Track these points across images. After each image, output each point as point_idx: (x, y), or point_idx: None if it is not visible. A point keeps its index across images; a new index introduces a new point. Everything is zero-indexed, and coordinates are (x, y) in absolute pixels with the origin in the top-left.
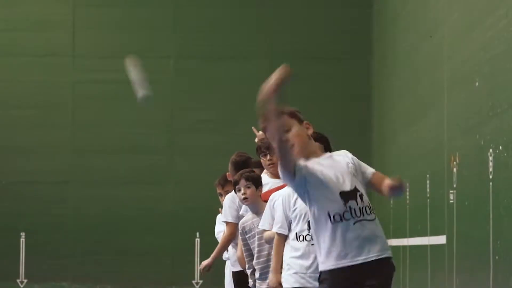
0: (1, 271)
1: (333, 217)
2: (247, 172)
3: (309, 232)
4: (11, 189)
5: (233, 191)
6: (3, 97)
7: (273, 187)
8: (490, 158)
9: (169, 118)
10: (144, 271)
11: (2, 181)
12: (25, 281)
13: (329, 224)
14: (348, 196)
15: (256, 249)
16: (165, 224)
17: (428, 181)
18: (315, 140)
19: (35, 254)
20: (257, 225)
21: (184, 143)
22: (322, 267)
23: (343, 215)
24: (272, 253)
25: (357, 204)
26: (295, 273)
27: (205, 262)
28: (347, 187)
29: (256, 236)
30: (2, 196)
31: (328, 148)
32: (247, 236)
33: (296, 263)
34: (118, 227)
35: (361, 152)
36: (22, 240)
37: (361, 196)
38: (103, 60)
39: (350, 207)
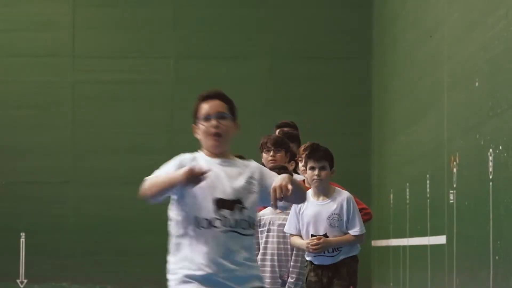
0: (1, 271)
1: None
2: (277, 168)
3: None
4: (11, 189)
5: None
6: (3, 97)
7: None
8: (490, 158)
9: (169, 118)
10: (144, 271)
11: (2, 181)
12: (25, 281)
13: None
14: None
15: (262, 245)
16: (165, 224)
17: (428, 181)
18: None
19: (35, 254)
20: (273, 222)
21: (184, 143)
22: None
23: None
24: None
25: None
26: None
27: None
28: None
29: (265, 233)
30: (2, 196)
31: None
32: (260, 230)
33: None
34: (118, 227)
35: (361, 152)
36: (22, 240)
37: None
38: (103, 60)
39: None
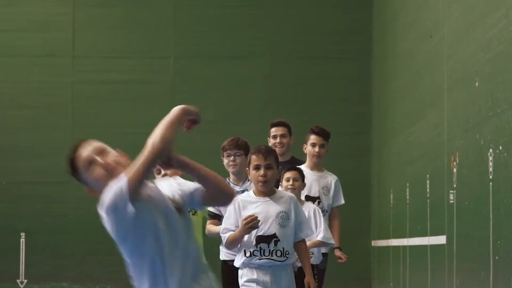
0: (1, 271)
1: None
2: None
3: None
4: (11, 189)
5: None
6: (3, 97)
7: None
8: (490, 158)
9: None
10: None
11: (2, 181)
12: (25, 281)
13: None
14: None
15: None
16: None
17: (428, 181)
18: None
19: (35, 254)
20: None
21: (184, 143)
22: None
23: None
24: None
25: None
26: None
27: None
28: None
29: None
30: (2, 196)
31: None
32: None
33: None
34: None
35: (361, 152)
36: (22, 240)
37: None
38: (103, 60)
39: None
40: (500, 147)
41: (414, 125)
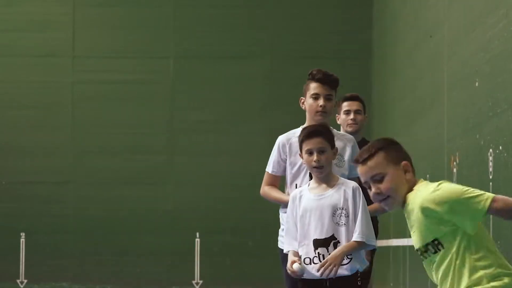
0: (1, 271)
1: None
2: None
3: None
4: (11, 189)
5: None
6: (3, 97)
7: None
8: (490, 158)
9: (169, 118)
10: (144, 271)
11: (2, 181)
12: (25, 281)
13: None
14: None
15: None
16: (165, 224)
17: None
18: None
19: (35, 254)
20: None
21: (184, 143)
22: None
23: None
24: None
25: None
26: None
27: None
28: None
29: None
30: (2, 196)
31: None
32: None
33: None
34: (118, 227)
35: None
36: (22, 240)
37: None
38: (103, 60)
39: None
40: (500, 147)
41: (414, 125)
